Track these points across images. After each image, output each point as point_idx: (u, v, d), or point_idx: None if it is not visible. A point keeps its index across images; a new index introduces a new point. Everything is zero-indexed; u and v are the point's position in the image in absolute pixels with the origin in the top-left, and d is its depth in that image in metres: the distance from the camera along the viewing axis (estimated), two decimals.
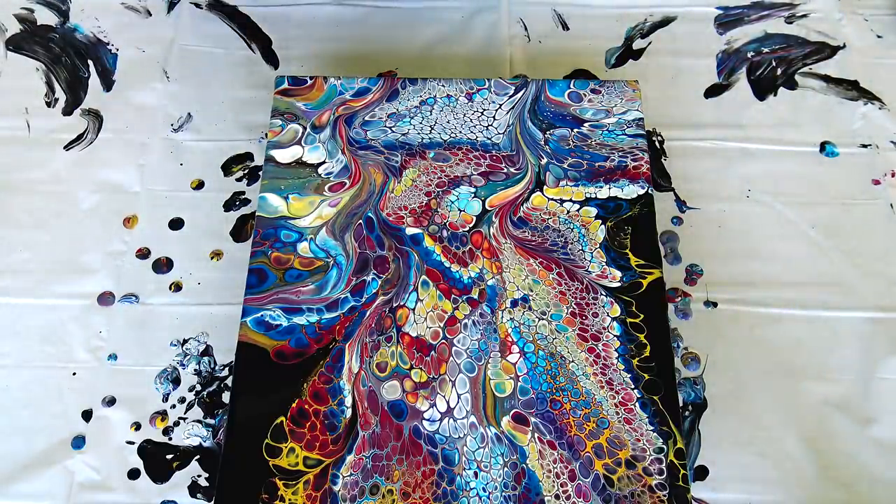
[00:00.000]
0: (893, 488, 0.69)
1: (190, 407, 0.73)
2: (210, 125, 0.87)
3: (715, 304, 0.77)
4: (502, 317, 0.65)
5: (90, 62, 0.92)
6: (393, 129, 0.74)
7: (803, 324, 0.75)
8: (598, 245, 0.68)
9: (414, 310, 0.65)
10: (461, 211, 0.70)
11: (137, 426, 0.72)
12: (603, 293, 0.65)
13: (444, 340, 0.64)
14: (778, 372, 0.73)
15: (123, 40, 0.93)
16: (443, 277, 0.66)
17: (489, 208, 0.70)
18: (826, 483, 0.69)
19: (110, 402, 0.73)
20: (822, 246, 0.79)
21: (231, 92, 0.89)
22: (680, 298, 0.77)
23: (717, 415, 0.72)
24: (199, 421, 0.72)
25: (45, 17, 0.95)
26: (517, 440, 0.60)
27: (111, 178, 0.84)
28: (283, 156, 0.72)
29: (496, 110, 0.75)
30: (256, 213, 0.69)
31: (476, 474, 0.59)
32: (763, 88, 0.89)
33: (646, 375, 0.62)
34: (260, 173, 0.74)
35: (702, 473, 0.70)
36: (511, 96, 0.75)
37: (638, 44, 0.92)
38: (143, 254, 0.80)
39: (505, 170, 0.72)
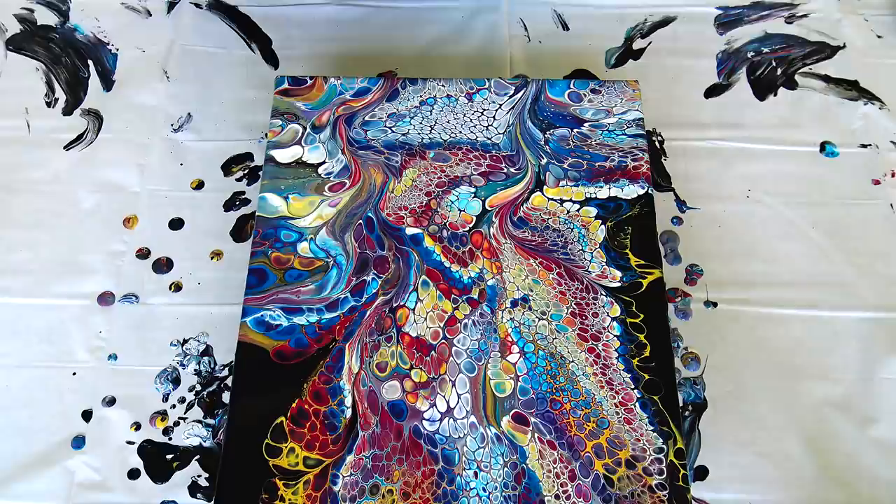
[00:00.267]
0: (893, 488, 0.69)
1: (190, 407, 0.73)
2: (210, 125, 0.87)
3: (715, 304, 0.77)
4: (502, 317, 0.65)
5: (90, 62, 0.92)
6: (393, 129, 0.74)
7: (803, 324, 0.75)
8: (598, 245, 0.68)
9: (414, 310, 0.65)
10: (461, 211, 0.70)
11: (137, 426, 0.72)
12: (603, 293, 0.65)
13: (444, 340, 0.64)
14: (778, 372, 0.73)
15: (123, 40, 0.93)
16: (443, 277, 0.66)
17: (489, 208, 0.70)
18: (826, 483, 0.69)
19: (110, 402, 0.73)
20: (823, 246, 0.79)
21: (231, 92, 0.89)
22: (680, 298, 0.77)
23: (717, 415, 0.72)
24: (199, 421, 0.72)
25: (45, 17, 0.95)
26: (517, 440, 0.60)
27: (111, 178, 0.84)
28: (283, 156, 0.72)
29: (496, 110, 0.75)
30: (256, 213, 0.69)
31: (476, 474, 0.59)
32: (763, 88, 0.89)
33: (646, 375, 0.62)
34: (260, 173, 0.74)
35: (702, 473, 0.70)
36: (511, 96, 0.75)
37: (638, 44, 0.92)
38: (143, 254, 0.80)
39: (505, 170, 0.72)
